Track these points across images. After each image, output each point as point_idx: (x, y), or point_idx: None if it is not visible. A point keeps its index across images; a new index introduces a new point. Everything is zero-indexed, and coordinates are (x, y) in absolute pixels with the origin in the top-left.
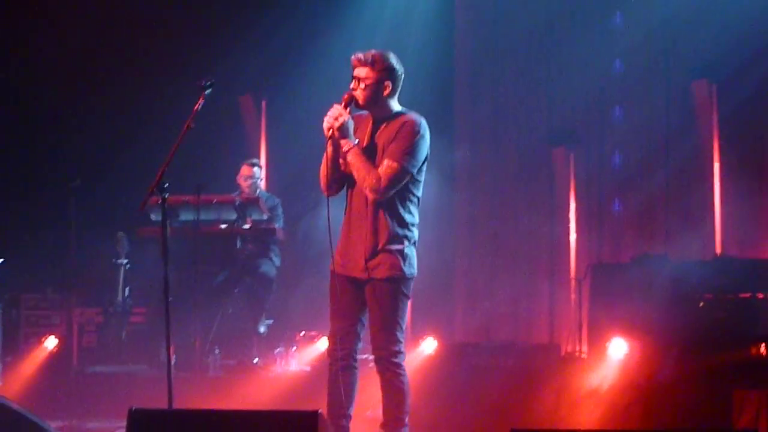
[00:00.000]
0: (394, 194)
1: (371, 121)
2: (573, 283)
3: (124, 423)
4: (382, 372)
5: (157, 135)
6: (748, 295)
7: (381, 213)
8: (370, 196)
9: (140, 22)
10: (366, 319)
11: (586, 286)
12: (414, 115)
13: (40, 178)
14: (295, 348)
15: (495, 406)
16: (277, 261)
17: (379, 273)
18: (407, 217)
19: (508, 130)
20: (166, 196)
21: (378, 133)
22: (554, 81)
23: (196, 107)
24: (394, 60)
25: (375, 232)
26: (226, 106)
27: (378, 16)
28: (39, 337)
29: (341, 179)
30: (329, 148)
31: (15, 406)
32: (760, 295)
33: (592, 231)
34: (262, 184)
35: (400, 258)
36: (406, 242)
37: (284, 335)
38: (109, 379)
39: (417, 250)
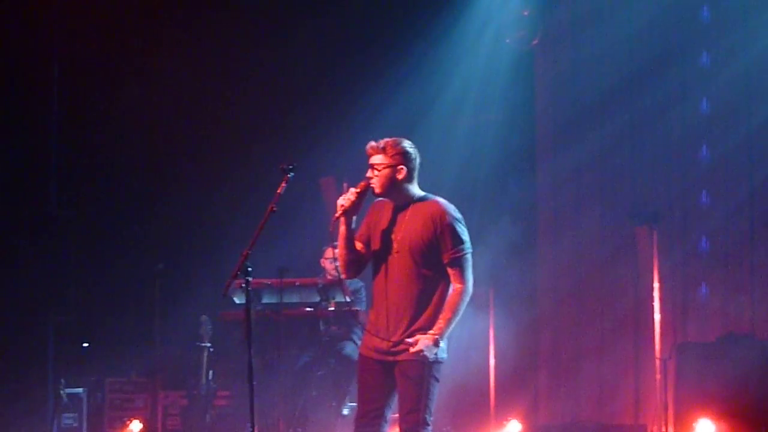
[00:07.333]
0: (441, 277)
1: (392, 207)
2: (658, 362)
3: None
4: None
5: (239, 218)
6: None
7: (425, 293)
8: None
9: (223, 108)
10: (394, 402)
11: (672, 366)
12: (441, 202)
13: (124, 263)
14: None
15: None
16: (360, 343)
17: (412, 354)
18: None
19: (592, 209)
20: (250, 280)
21: (403, 217)
22: (638, 163)
23: (279, 191)
24: (407, 145)
25: (417, 312)
26: (308, 187)
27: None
28: (124, 421)
29: (358, 261)
30: (341, 228)
31: None
32: None
33: (676, 310)
34: None
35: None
36: None
37: None
38: None
39: (500, 332)
